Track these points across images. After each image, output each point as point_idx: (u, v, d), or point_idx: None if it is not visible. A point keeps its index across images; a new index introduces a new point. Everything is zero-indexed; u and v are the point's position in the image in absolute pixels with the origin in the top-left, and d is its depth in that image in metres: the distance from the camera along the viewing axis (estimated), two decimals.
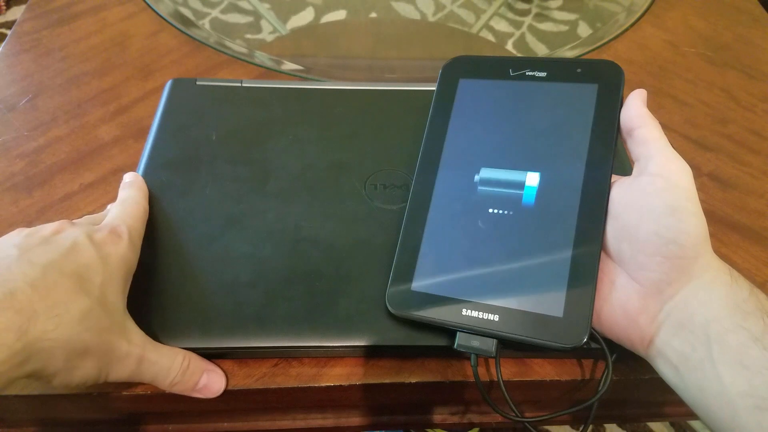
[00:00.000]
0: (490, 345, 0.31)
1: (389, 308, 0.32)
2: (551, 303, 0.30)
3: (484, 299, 0.31)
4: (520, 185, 0.34)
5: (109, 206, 0.37)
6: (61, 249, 0.28)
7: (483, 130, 0.36)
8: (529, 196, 0.33)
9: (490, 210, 0.33)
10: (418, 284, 0.32)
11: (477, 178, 0.34)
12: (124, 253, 0.31)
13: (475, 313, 0.31)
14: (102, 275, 0.29)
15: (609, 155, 0.33)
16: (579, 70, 0.36)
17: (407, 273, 0.33)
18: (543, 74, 0.36)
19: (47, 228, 0.30)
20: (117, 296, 0.29)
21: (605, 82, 0.35)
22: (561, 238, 0.32)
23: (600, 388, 0.32)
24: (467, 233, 0.33)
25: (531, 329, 0.30)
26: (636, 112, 0.32)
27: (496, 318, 0.31)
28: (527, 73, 0.37)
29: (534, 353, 0.35)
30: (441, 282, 0.32)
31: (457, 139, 0.36)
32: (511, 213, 0.33)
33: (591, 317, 0.30)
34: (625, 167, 0.40)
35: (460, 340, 0.31)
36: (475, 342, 0.31)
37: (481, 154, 0.35)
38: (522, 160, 0.34)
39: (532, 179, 0.34)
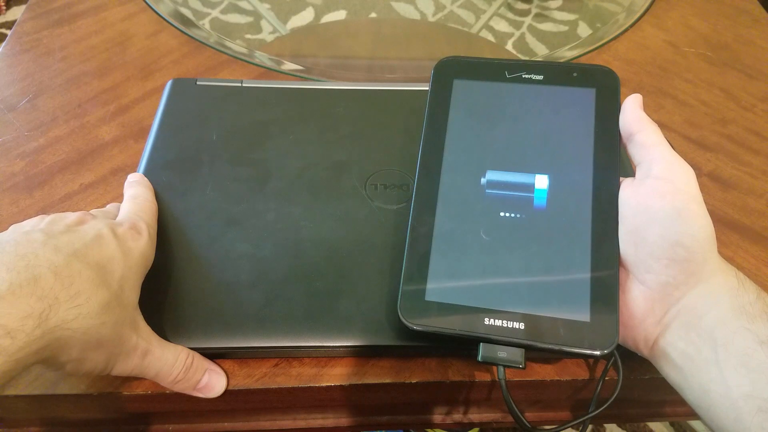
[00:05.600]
0: (518, 355, 0.29)
1: (404, 322, 0.30)
2: (577, 307, 0.30)
3: (507, 306, 0.30)
4: (530, 187, 0.33)
5: (109, 205, 0.37)
6: (85, 239, 0.28)
7: (484, 133, 0.35)
8: (540, 199, 0.33)
9: (501, 213, 0.32)
10: (432, 294, 0.31)
11: (484, 180, 0.33)
12: (143, 248, 0.31)
13: (498, 322, 0.30)
14: (122, 269, 0.29)
15: (615, 156, 0.33)
16: (575, 75, 0.36)
17: (419, 283, 0.31)
18: (540, 77, 0.36)
19: (70, 217, 0.30)
20: (132, 291, 0.30)
21: (603, 86, 0.35)
22: (578, 240, 0.31)
23: (594, 404, 0.32)
24: (479, 238, 0.32)
25: (560, 336, 0.29)
26: (634, 116, 0.32)
27: (522, 326, 0.29)
28: (524, 76, 0.36)
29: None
30: (457, 290, 0.31)
31: (457, 142, 0.35)
32: (523, 216, 0.32)
33: (618, 319, 0.29)
34: (626, 168, 0.40)
35: (485, 351, 0.29)
36: (502, 353, 0.29)
37: (484, 157, 0.34)
38: (527, 162, 0.34)
39: (542, 181, 0.33)
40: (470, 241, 0.32)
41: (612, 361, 0.33)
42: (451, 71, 0.37)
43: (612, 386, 0.32)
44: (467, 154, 0.35)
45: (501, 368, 0.30)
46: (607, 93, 0.35)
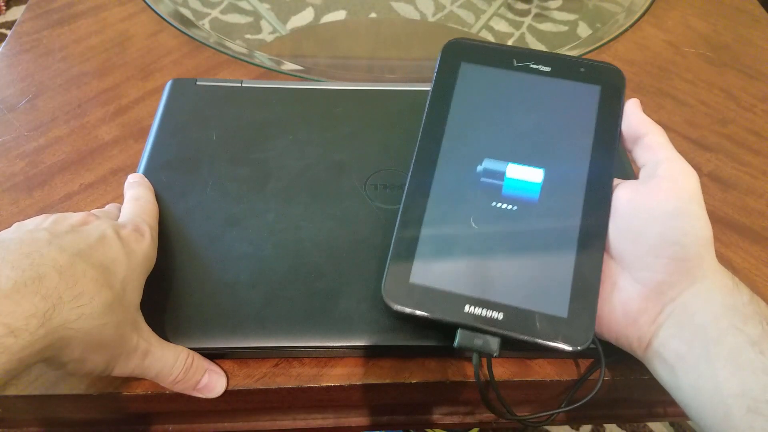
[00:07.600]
0: (494, 344, 0.30)
1: (385, 301, 0.30)
2: (556, 303, 0.30)
3: (488, 296, 0.30)
4: (525, 180, 0.33)
5: (108, 205, 0.37)
6: (90, 240, 0.28)
7: (486, 119, 0.35)
8: (533, 192, 0.33)
9: (493, 203, 0.33)
10: (417, 276, 0.31)
11: (480, 168, 0.33)
12: (146, 250, 0.31)
13: (478, 310, 0.30)
14: (125, 271, 0.29)
15: (612, 157, 0.33)
16: (582, 70, 0.36)
17: (405, 264, 0.31)
18: (547, 69, 0.36)
19: (74, 217, 0.30)
20: (134, 292, 0.30)
21: (608, 84, 0.35)
22: (565, 237, 0.31)
23: (566, 402, 0.32)
24: (468, 226, 0.32)
25: (536, 329, 0.29)
26: (639, 120, 0.33)
27: (501, 316, 0.30)
28: (531, 66, 0.36)
29: (534, 353, 0.35)
30: (441, 275, 0.31)
31: (458, 126, 0.35)
32: (514, 208, 0.32)
33: (595, 319, 0.30)
34: (626, 170, 0.40)
35: (461, 338, 0.30)
36: (478, 340, 0.30)
37: (483, 145, 0.34)
38: (525, 154, 0.34)
39: (537, 175, 0.33)
40: (460, 228, 0.32)
41: (600, 370, 0.33)
42: (460, 54, 0.37)
43: (617, 385, 0.32)
44: (467, 140, 0.34)
45: (476, 355, 0.30)
46: (611, 91, 0.35)
